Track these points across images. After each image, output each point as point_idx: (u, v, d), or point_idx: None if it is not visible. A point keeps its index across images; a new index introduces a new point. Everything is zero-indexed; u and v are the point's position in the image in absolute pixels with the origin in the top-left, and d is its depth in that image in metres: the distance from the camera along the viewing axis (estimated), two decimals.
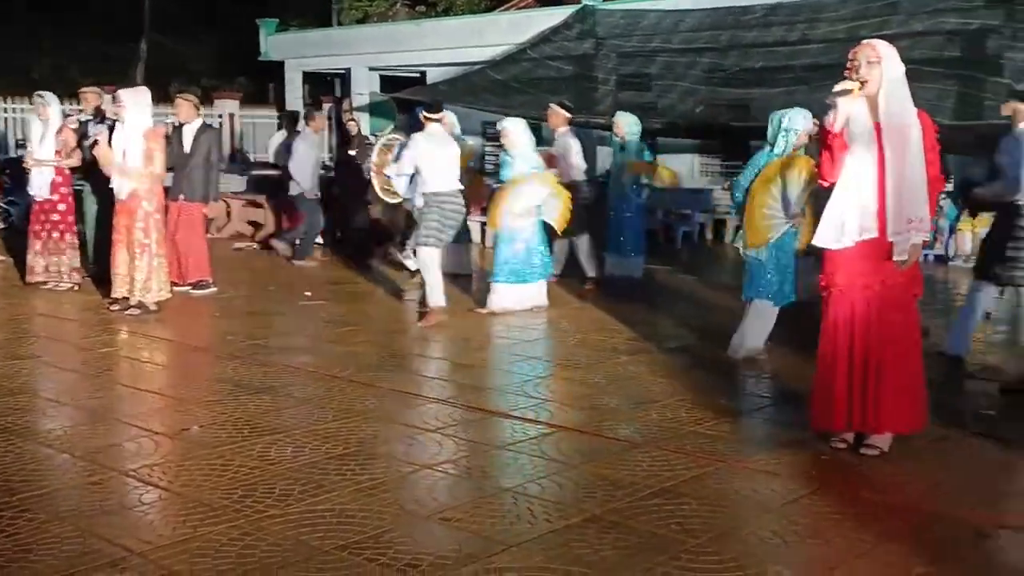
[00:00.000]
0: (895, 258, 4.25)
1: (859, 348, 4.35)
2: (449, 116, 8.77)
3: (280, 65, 19.88)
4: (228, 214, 13.21)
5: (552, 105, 9.60)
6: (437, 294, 7.63)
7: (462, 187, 7.90)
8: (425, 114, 7.89)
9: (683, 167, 15.05)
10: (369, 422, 5.00)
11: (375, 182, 8.64)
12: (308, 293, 8.95)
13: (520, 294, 8.10)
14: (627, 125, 9.54)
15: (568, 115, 9.53)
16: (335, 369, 6.12)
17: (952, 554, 3.42)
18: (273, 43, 19.84)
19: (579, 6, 15.24)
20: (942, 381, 5.83)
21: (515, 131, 8.09)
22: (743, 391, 5.85)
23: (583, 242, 9.27)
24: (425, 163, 7.64)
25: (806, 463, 4.35)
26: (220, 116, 18.02)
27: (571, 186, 8.68)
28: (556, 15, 15.61)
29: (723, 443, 4.64)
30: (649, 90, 14.43)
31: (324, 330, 7.60)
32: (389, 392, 5.60)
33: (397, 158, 7.97)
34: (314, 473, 4.15)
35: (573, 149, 9.30)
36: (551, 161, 8.96)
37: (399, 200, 8.46)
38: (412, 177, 7.81)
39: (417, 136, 7.75)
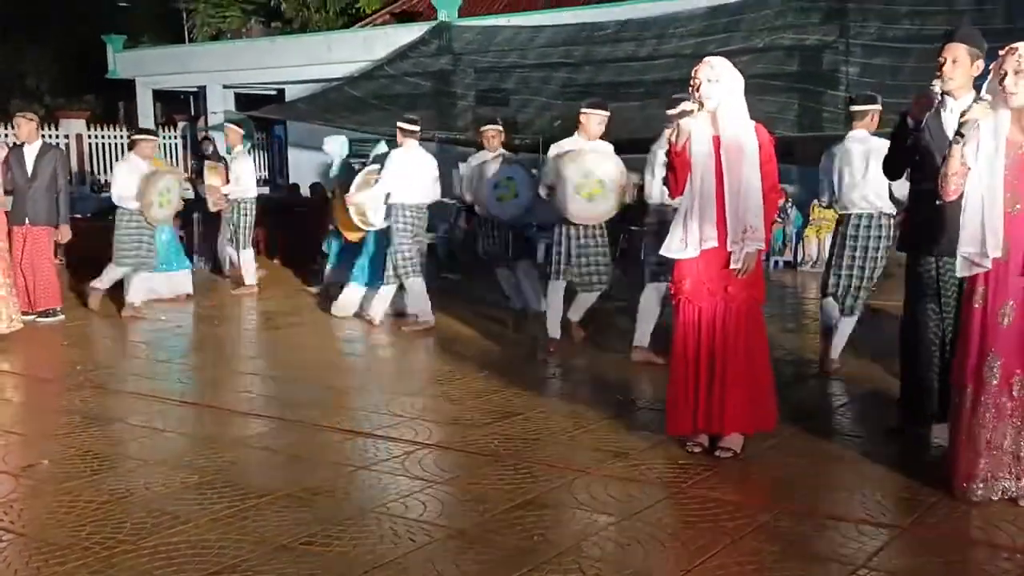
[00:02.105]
0: (731, 266, 4.43)
1: (705, 353, 4.51)
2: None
3: (130, 83, 19.25)
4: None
5: (227, 124, 10.21)
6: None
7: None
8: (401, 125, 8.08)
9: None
10: (226, 449, 4.88)
11: (351, 212, 8.40)
12: (163, 318, 8.68)
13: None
14: (332, 145, 9.84)
15: (241, 131, 10.13)
16: (190, 396, 5.95)
17: (798, 548, 3.57)
18: (121, 60, 19.18)
19: (435, 22, 15.31)
20: (792, 380, 6.09)
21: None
22: (601, 399, 5.96)
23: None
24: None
25: (663, 468, 4.47)
26: (66, 136, 17.31)
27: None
28: (413, 31, 15.64)
29: (583, 452, 4.73)
30: (507, 105, 14.61)
31: (178, 356, 7.38)
32: (247, 417, 5.48)
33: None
34: (168, 504, 4.02)
35: (246, 167, 9.90)
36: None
37: (372, 229, 8.38)
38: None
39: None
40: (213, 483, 4.30)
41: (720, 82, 4.41)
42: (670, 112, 5.75)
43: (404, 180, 7.92)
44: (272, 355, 7.49)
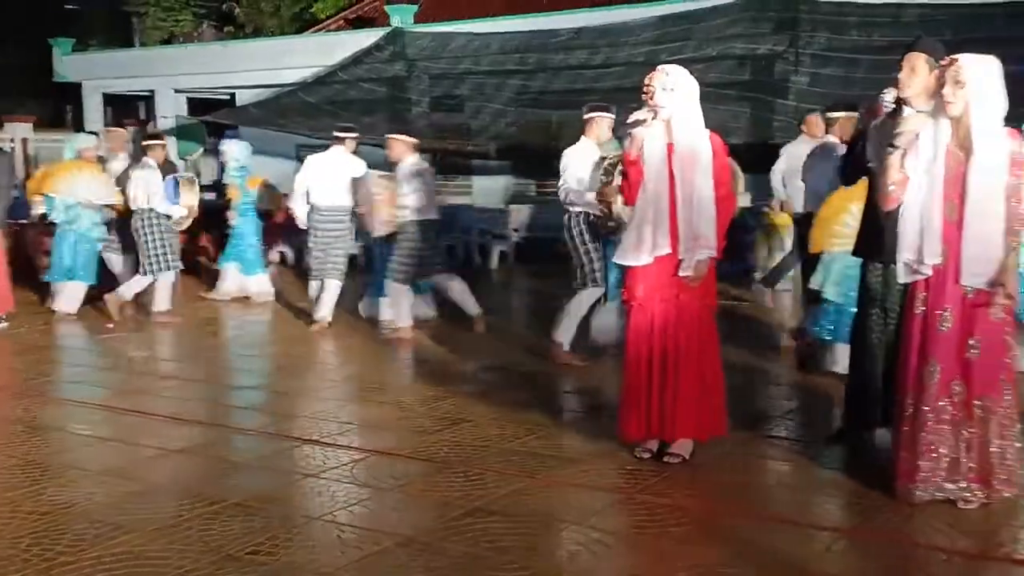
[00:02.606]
0: (681, 273, 4.46)
1: (657, 358, 4.53)
2: None
3: (79, 87, 18.96)
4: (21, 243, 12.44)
5: (107, 129, 10.23)
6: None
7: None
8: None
9: (498, 188, 15.33)
10: (172, 458, 4.82)
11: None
12: (110, 325, 8.55)
13: None
14: (231, 148, 9.95)
15: (126, 137, 10.15)
16: (135, 404, 5.86)
17: (746, 552, 3.60)
18: (69, 64, 18.90)
19: (389, 29, 15.28)
20: (743, 385, 6.14)
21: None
22: (554, 405, 5.96)
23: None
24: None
25: (613, 474, 4.48)
26: (11, 140, 17.01)
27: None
28: (367, 37, 15.60)
29: (534, 458, 4.72)
30: (462, 111, 14.63)
31: (124, 363, 7.27)
32: (193, 425, 5.41)
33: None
34: (110, 514, 3.96)
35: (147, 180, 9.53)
36: None
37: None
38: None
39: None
40: (157, 492, 4.24)
41: (675, 91, 4.44)
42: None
43: (318, 183, 8.21)
44: (219, 362, 7.41)
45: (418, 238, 7.80)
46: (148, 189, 8.63)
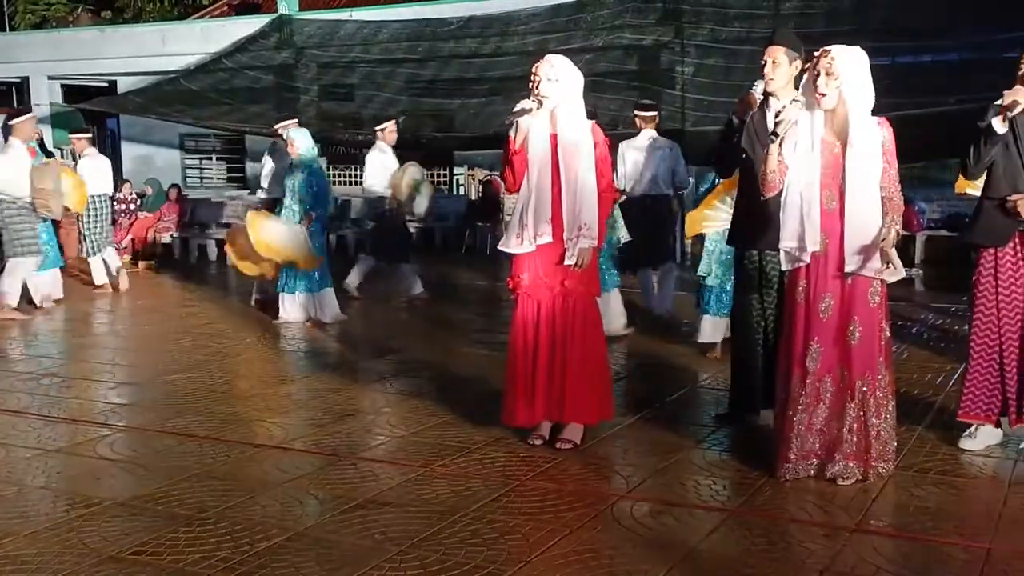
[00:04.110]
0: (565, 262, 4.51)
1: (544, 345, 4.57)
2: None
3: None
4: None
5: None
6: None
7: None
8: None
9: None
10: (53, 458, 4.64)
11: None
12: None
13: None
14: None
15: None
16: (11, 404, 5.62)
17: (634, 535, 3.66)
18: None
19: (275, 15, 14.99)
20: (629, 372, 6.25)
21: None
22: (446, 394, 5.96)
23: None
24: None
25: (505, 461, 4.50)
26: None
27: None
28: (252, 24, 15.27)
29: (426, 448, 4.71)
30: (352, 100, 14.47)
31: None
32: (76, 424, 5.22)
33: None
34: None
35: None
36: None
37: None
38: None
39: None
40: (36, 495, 4.08)
41: (559, 81, 4.47)
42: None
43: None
44: (100, 357, 7.16)
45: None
46: (105, 176, 9.73)
